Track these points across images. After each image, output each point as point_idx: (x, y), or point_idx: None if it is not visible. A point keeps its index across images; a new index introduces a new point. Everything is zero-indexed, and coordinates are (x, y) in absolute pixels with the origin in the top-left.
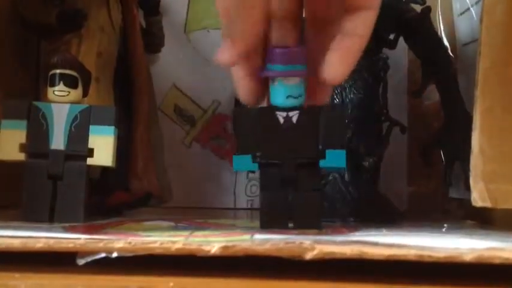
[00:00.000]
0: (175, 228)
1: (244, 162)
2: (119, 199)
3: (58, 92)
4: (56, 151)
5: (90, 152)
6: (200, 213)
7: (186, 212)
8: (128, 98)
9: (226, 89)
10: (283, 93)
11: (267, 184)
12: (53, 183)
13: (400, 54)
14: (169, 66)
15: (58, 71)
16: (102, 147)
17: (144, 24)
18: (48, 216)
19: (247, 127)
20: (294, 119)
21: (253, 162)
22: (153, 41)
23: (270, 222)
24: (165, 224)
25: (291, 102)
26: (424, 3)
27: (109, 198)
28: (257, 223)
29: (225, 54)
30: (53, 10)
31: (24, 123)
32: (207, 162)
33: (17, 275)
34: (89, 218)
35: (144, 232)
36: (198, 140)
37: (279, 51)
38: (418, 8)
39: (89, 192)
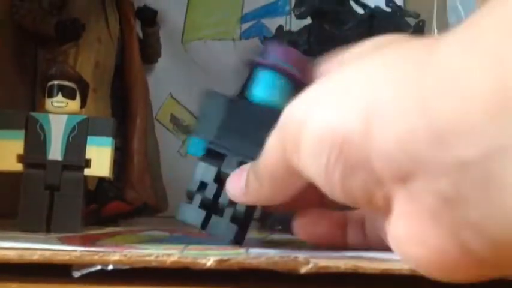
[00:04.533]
0: (170, 240)
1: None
2: (115, 209)
3: (56, 103)
4: (53, 162)
5: (87, 163)
6: None
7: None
8: (124, 108)
9: None
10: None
11: None
12: (50, 193)
13: None
14: (166, 77)
15: (56, 82)
16: (100, 158)
17: (141, 34)
18: (44, 227)
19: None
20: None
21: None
22: (150, 52)
23: None
24: (160, 234)
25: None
26: (418, 16)
27: (105, 208)
28: (252, 235)
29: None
30: (51, 20)
31: (21, 133)
32: None
33: (13, 285)
34: (85, 228)
35: (140, 244)
36: None
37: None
38: (412, 21)
39: (85, 202)
